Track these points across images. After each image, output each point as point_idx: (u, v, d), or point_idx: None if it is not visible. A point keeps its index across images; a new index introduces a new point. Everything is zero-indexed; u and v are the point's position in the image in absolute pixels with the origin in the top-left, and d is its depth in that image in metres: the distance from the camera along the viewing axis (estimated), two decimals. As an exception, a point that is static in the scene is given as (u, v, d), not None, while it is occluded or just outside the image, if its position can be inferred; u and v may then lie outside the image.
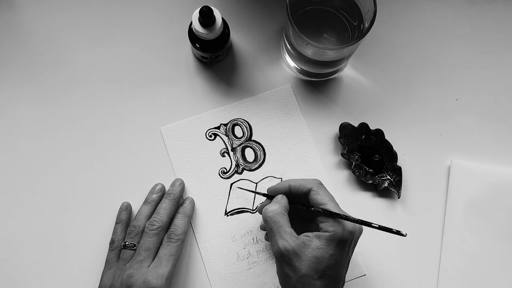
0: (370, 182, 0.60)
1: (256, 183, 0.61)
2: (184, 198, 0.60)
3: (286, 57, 0.62)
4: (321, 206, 0.49)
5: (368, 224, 0.48)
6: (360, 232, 0.50)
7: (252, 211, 0.60)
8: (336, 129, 0.61)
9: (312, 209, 0.49)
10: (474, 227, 0.59)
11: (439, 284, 0.58)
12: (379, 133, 0.61)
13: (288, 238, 0.47)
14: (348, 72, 0.63)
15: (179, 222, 0.57)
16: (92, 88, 0.62)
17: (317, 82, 0.63)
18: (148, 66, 0.63)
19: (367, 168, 0.61)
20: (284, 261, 0.47)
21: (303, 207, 0.51)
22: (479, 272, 0.59)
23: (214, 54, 0.60)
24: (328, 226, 0.48)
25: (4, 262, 0.58)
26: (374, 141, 0.61)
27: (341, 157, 0.61)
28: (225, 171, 0.61)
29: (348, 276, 0.58)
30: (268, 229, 0.49)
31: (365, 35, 0.52)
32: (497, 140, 0.62)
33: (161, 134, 0.61)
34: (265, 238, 0.58)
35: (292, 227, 0.49)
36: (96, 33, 0.63)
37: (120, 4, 0.64)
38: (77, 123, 0.61)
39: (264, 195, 0.54)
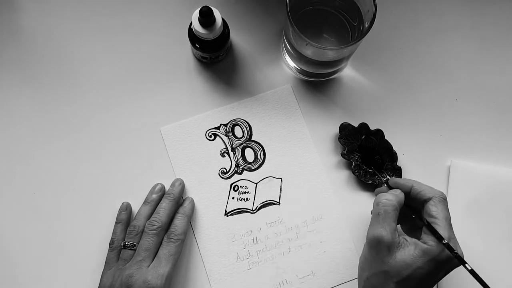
0: (370, 182, 0.60)
1: (256, 183, 0.61)
2: (184, 198, 0.60)
3: (286, 57, 0.62)
4: (431, 219, 0.48)
5: (462, 262, 0.46)
6: (458, 264, 0.48)
7: (252, 211, 0.60)
8: (336, 129, 0.61)
9: (417, 216, 0.49)
10: (474, 227, 0.59)
11: (439, 284, 0.58)
12: (379, 133, 0.61)
13: (390, 230, 0.47)
14: (348, 72, 0.63)
15: (179, 222, 0.57)
16: (92, 89, 0.62)
17: (317, 82, 0.63)
18: (148, 66, 0.63)
19: (367, 169, 0.61)
20: (375, 248, 0.47)
21: (412, 214, 0.50)
22: (479, 272, 0.58)
23: (214, 54, 0.60)
24: (430, 240, 0.46)
25: (4, 262, 0.58)
26: (374, 141, 0.61)
27: (341, 157, 0.61)
28: (225, 171, 0.61)
29: (348, 277, 0.58)
30: (375, 213, 0.49)
31: (365, 35, 0.52)
32: (497, 140, 0.62)
33: (161, 134, 0.61)
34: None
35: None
36: (96, 34, 0.63)
37: (121, 5, 0.64)
38: (77, 123, 0.61)
39: (385, 182, 0.55)
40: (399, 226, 0.54)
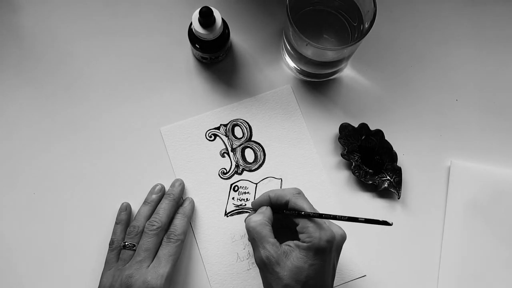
0: (370, 182, 0.60)
1: (256, 184, 0.61)
2: (184, 198, 0.60)
3: (286, 58, 0.62)
4: (297, 211, 0.49)
5: (354, 219, 0.48)
6: (342, 238, 0.50)
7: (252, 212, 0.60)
8: (336, 130, 0.61)
9: (290, 213, 0.50)
10: (474, 228, 0.59)
11: (439, 285, 0.58)
12: (379, 133, 0.61)
13: (269, 248, 0.48)
14: (348, 72, 0.63)
15: (179, 222, 0.57)
16: (92, 89, 0.62)
17: (317, 83, 0.63)
18: (148, 66, 0.63)
19: (367, 169, 0.61)
20: (267, 270, 0.48)
21: (286, 211, 0.51)
22: (479, 273, 0.59)
23: (214, 55, 0.60)
24: (305, 237, 0.48)
25: (4, 262, 0.58)
26: (374, 142, 0.61)
27: (341, 158, 0.61)
28: (225, 171, 0.61)
29: (348, 277, 0.58)
30: (250, 239, 0.50)
31: (365, 36, 0.52)
32: (497, 140, 0.62)
33: (161, 134, 0.61)
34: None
35: (276, 238, 0.49)
36: (96, 34, 0.63)
37: (120, 5, 0.64)
38: (77, 124, 0.61)
39: (249, 209, 0.55)
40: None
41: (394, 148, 0.61)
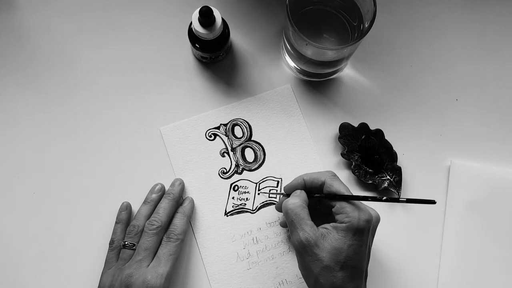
0: (370, 182, 0.60)
1: (256, 183, 0.61)
2: (183, 198, 0.60)
3: (286, 57, 0.62)
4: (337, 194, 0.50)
5: (395, 200, 0.48)
6: (377, 220, 0.50)
7: (252, 211, 0.60)
8: (336, 129, 0.61)
9: (328, 196, 0.50)
10: (474, 227, 0.59)
11: (439, 284, 0.58)
12: (379, 133, 0.61)
13: (308, 230, 0.48)
14: (348, 72, 0.63)
15: (178, 221, 0.57)
16: (92, 89, 0.62)
17: (317, 82, 0.63)
18: (148, 66, 0.63)
19: (367, 168, 0.61)
20: (305, 252, 0.48)
21: (321, 195, 0.51)
22: (479, 272, 0.58)
23: (214, 54, 0.60)
24: (343, 218, 0.48)
25: (4, 262, 0.58)
26: (374, 141, 0.61)
27: (341, 157, 0.61)
28: (225, 171, 0.61)
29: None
30: (289, 221, 0.50)
31: (365, 35, 0.52)
32: (497, 140, 0.62)
33: (161, 134, 0.61)
34: (287, 235, 0.59)
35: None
36: (96, 34, 0.63)
37: (120, 5, 0.64)
38: (77, 123, 0.61)
39: (283, 194, 0.55)
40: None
41: (394, 148, 0.61)
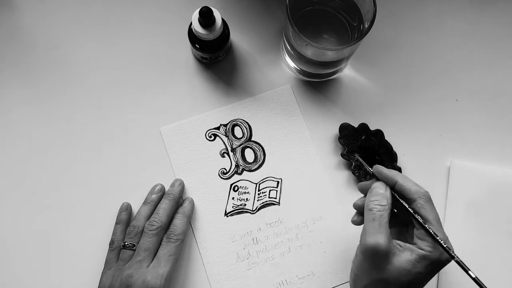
0: (370, 182, 0.60)
1: (256, 184, 0.61)
2: (183, 198, 0.60)
3: (286, 58, 0.62)
4: (426, 224, 0.46)
5: (464, 270, 0.45)
6: (448, 262, 0.47)
7: (252, 212, 0.60)
8: (336, 130, 0.61)
9: (419, 222, 0.46)
10: (474, 228, 0.59)
11: (439, 284, 0.58)
12: (379, 133, 0.61)
13: (386, 238, 0.45)
14: (348, 72, 0.63)
15: (178, 222, 0.57)
16: (91, 89, 0.62)
17: (317, 83, 0.63)
18: (147, 66, 0.63)
19: (367, 169, 0.60)
20: (370, 258, 0.46)
21: (408, 214, 0.47)
22: (479, 273, 0.58)
23: (214, 55, 0.60)
24: (425, 245, 0.45)
25: (4, 262, 0.58)
26: (374, 142, 0.61)
27: (341, 158, 0.61)
28: (225, 171, 0.61)
29: (348, 277, 0.58)
30: (369, 219, 0.47)
31: (365, 36, 0.52)
32: (497, 140, 0.62)
33: (161, 134, 0.61)
34: (353, 219, 0.53)
35: None
36: (96, 34, 0.63)
37: (120, 5, 0.64)
38: (77, 124, 0.61)
39: (372, 175, 0.51)
40: None
41: (394, 148, 0.61)
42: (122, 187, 0.60)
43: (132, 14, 0.64)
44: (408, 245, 0.46)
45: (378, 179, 0.50)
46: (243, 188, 0.60)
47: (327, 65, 0.58)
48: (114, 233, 0.57)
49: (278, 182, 0.61)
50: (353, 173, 0.60)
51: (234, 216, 0.60)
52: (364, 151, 0.61)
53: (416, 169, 0.61)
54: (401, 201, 0.48)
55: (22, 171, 0.60)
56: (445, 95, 0.63)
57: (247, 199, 0.60)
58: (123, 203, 0.59)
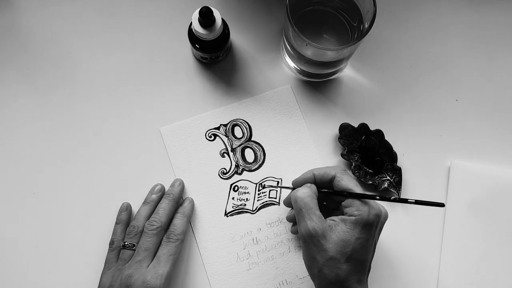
0: (370, 182, 0.60)
1: (256, 184, 0.61)
2: (183, 198, 0.60)
3: (286, 58, 0.62)
4: (347, 191, 0.50)
5: (404, 201, 0.48)
6: (386, 216, 0.51)
7: (252, 212, 0.60)
8: (336, 130, 0.61)
9: (337, 192, 0.50)
10: (474, 228, 0.59)
11: (439, 284, 0.58)
12: (379, 133, 0.61)
13: (316, 220, 0.48)
14: (348, 72, 0.63)
15: (178, 222, 0.57)
16: (92, 88, 0.62)
17: (317, 83, 0.63)
18: (147, 66, 0.63)
19: (367, 169, 0.61)
20: (312, 242, 0.48)
21: (330, 190, 0.51)
22: (480, 273, 0.58)
23: (214, 55, 0.60)
24: (353, 210, 0.48)
25: (4, 262, 0.58)
26: (374, 142, 0.61)
27: (341, 158, 0.61)
28: (225, 171, 0.61)
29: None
30: (297, 210, 0.50)
31: (364, 36, 0.52)
32: (497, 140, 0.62)
33: (161, 134, 0.61)
34: (291, 229, 0.58)
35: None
36: (96, 34, 0.63)
37: (120, 5, 0.64)
38: (76, 124, 0.61)
39: (292, 188, 0.55)
40: None
41: (394, 148, 0.61)
42: (122, 187, 0.60)
43: (132, 13, 0.64)
44: (340, 216, 0.49)
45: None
46: (243, 188, 0.60)
47: (327, 65, 0.58)
48: (114, 233, 0.57)
49: (278, 182, 0.61)
50: (353, 173, 0.60)
51: (234, 216, 0.60)
52: (364, 151, 0.61)
53: (416, 169, 0.61)
54: (322, 191, 0.52)
55: (22, 171, 0.60)
56: (445, 95, 0.63)
57: (247, 199, 0.60)
58: (123, 203, 0.59)
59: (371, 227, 0.48)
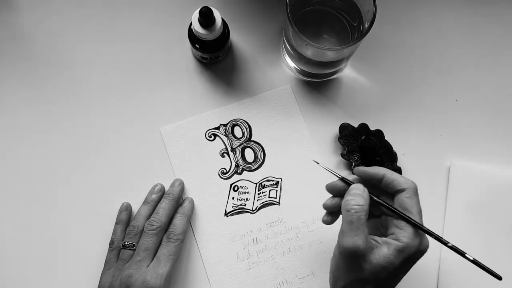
0: (370, 182, 0.60)
1: (256, 184, 0.61)
2: (183, 198, 0.60)
3: (286, 58, 0.62)
4: (408, 215, 0.46)
5: (462, 254, 0.45)
6: (425, 252, 0.47)
7: (252, 212, 0.60)
8: (336, 130, 0.61)
9: (396, 211, 0.46)
10: (474, 228, 0.59)
11: (439, 284, 0.58)
12: (379, 133, 0.61)
13: (364, 238, 0.44)
14: (348, 72, 0.63)
15: (178, 222, 0.57)
16: (92, 89, 0.62)
17: (317, 83, 0.63)
18: (148, 66, 0.63)
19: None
20: (350, 258, 0.45)
21: (387, 204, 0.47)
22: (479, 273, 0.58)
23: (214, 55, 0.60)
24: (402, 236, 0.45)
25: (4, 262, 0.58)
26: (374, 142, 0.61)
27: (341, 158, 0.61)
28: (225, 171, 0.61)
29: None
30: (347, 220, 0.45)
31: (364, 36, 0.52)
32: (497, 140, 0.62)
33: (161, 134, 0.61)
34: (325, 218, 0.52)
35: None
36: (96, 34, 0.63)
37: (120, 5, 0.64)
38: (77, 124, 0.61)
39: (342, 178, 0.50)
40: None
41: (394, 148, 0.61)
42: (122, 187, 0.60)
43: (132, 14, 0.64)
44: (384, 239, 0.46)
45: (344, 182, 0.50)
46: (243, 188, 0.60)
47: (327, 65, 0.58)
48: (114, 233, 0.57)
49: (278, 182, 0.61)
50: (353, 173, 0.60)
51: (234, 216, 0.60)
52: (364, 151, 0.61)
53: (416, 169, 0.61)
54: (378, 200, 0.48)
55: (22, 171, 0.60)
56: (445, 95, 0.63)
57: (247, 199, 0.60)
58: (123, 203, 0.59)
59: (413, 262, 0.45)
